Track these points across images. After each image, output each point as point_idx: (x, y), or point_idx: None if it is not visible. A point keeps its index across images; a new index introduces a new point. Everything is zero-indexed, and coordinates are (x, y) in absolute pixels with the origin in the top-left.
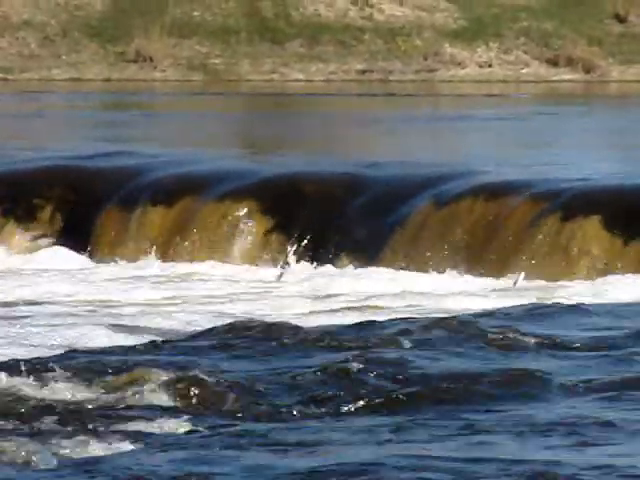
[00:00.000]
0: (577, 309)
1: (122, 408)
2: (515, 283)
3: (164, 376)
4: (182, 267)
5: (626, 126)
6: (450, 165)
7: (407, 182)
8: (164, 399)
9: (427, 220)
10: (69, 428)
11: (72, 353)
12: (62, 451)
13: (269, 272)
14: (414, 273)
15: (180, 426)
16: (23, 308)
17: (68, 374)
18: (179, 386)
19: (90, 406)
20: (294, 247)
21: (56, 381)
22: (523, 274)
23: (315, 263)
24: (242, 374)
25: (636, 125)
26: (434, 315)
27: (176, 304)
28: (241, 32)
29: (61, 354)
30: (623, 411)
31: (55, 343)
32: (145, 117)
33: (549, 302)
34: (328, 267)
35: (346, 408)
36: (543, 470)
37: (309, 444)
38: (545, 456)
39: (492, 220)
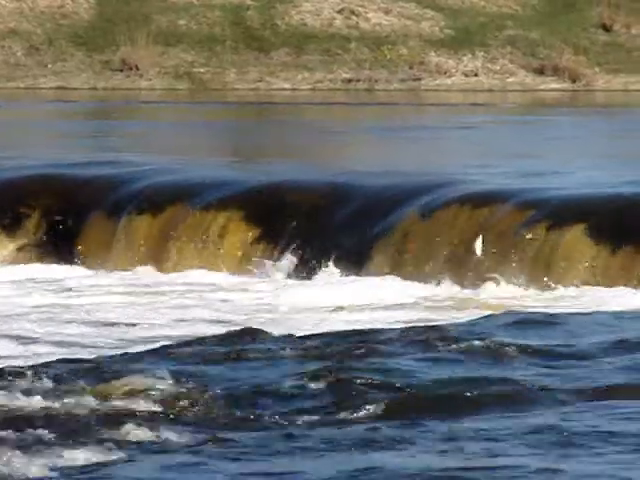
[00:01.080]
0: (563, 318)
1: (114, 417)
2: (477, 251)
3: (156, 385)
4: (169, 276)
5: (612, 134)
6: (435, 174)
7: (392, 191)
8: (156, 408)
9: (412, 229)
10: (61, 437)
11: (63, 361)
12: (54, 461)
13: (253, 281)
14: (400, 282)
15: (172, 435)
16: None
17: (61, 382)
18: (171, 395)
19: (83, 414)
20: (279, 256)
21: (47, 389)
22: (481, 238)
23: (301, 272)
24: (234, 383)
25: (621, 133)
26: (420, 324)
27: (163, 312)
28: (227, 41)
29: (54, 361)
30: (611, 420)
31: (50, 350)
32: (131, 126)
33: (534, 311)
34: (314, 276)
35: (336, 417)
36: (533, 478)
37: (301, 453)
38: (536, 464)
39: (477, 229)
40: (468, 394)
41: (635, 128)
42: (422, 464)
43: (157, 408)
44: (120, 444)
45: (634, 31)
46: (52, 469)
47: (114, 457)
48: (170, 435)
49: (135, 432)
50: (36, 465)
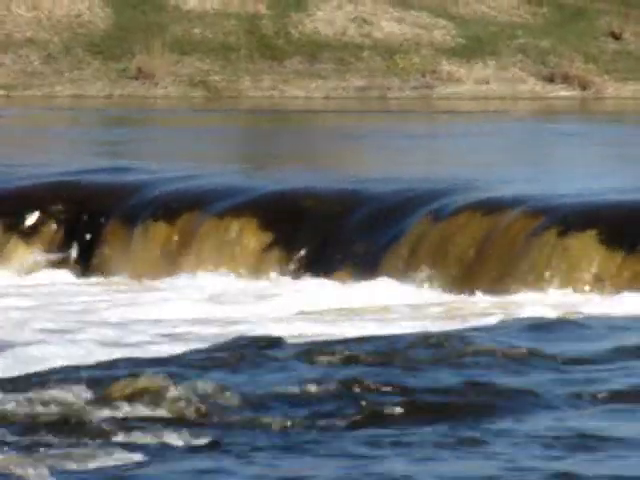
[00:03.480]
0: (575, 322)
1: (122, 420)
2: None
3: (165, 388)
4: (184, 282)
5: (622, 141)
6: (447, 181)
7: (404, 197)
8: (165, 412)
9: (425, 235)
10: (65, 441)
11: (73, 366)
12: (56, 465)
13: (268, 287)
14: (410, 288)
15: (180, 439)
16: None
17: (69, 386)
18: (179, 399)
19: (90, 418)
20: (293, 262)
21: (55, 393)
22: None
23: (313, 277)
24: (243, 387)
25: (630, 140)
26: (433, 330)
27: (181, 318)
28: (241, 49)
29: (63, 366)
30: (616, 424)
31: (55, 356)
32: (147, 133)
33: (542, 316)
34: (326, 281)
35: (345, 422)
36: None
37: (307, 457)
38: (551, 468)
39: (488, 235)
40: (481, 399)
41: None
42: (434, 469)
43: (163, 412)
44: (126, 448)
45: None
46: (55, 473)
47: (120, 462)
48: (176, 439)
49: (141, 436)
50: (39, 469)
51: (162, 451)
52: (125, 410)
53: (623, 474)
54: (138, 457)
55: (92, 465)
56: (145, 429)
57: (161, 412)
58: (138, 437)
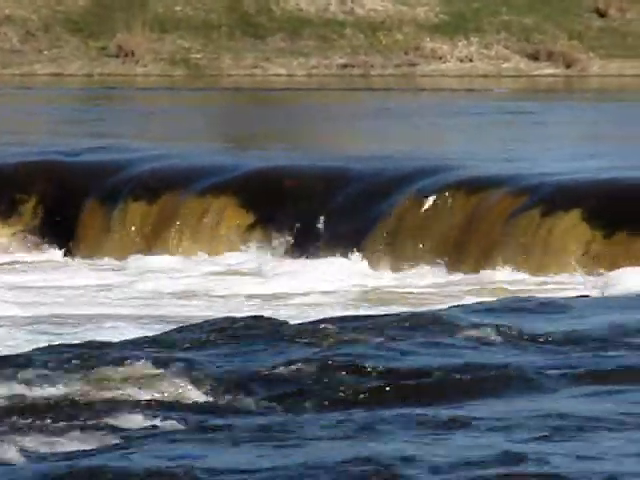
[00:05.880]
0: (559, 302)
1: (109, 403)
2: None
3: (143, 371)
4: (162, 260)
5: (602, 119)
6: (431, 159)
7: (388, 176)
8: (144, 394)
9: (408, 215)
10: (55, 424)
11: (54, 346)
12: (47, 447)
13: (249, 266)
14: (396, 266)
15: (167, 422)
16: None
17: (47, 368)
18: (158, 381)
19: (78, 401)
20: (275, 242)
21: (32, 375)
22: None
23: (296, 257)
24: (229, 369)
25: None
26: (414, 310)
27: (165, 298)
28: (222, 27)
29: (42, 347)
30: (603, 405)
31: (35, 338)
32: (127, 112)
33: (530, 296)
34: (309, 260)
35: (319, 403)
36: (520, 464)
37: (285, 439)
38: (522, 450)
39: (473, 214)
40: (464, 380)
41: (628, 113)
42: (418, 451)
43: (151, 395)
44: (115, 431)
45: (629, 16)
46: (45, 456)
47: (108, 444)
48: (165, 422)
49: (130, 419)
50: (29, 451)
51: (150, 434)
52: (106, 393)
53: (601, 455)
54: (126, 440)
55: (72, 448)
56: (134, 412)
57: (149, 395)
58: (118, 420)
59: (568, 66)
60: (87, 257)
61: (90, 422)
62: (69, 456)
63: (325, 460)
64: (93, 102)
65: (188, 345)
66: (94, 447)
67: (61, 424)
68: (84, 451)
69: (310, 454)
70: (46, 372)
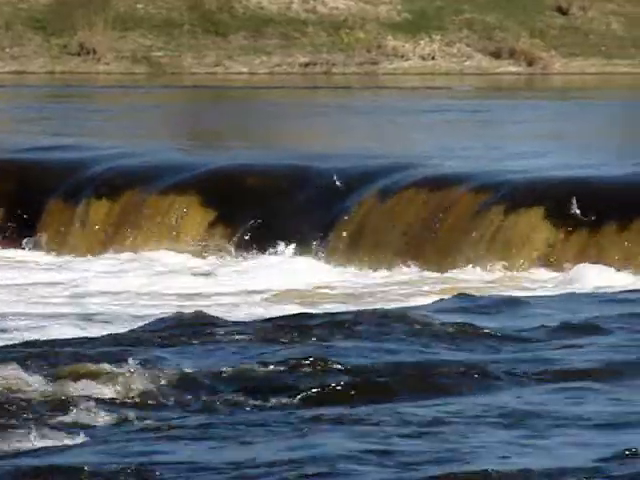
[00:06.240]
0: (520, 300)
1: (63, 400)
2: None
3: (111, 369)
4: (126, 258)
5: (565, 117)
6: (394, 157)
7: (351, 174)
8: (105, 391)
9: (371, 212)
10: (16, 421)
11: (8, 345)
12: (8, 445)
13: (211, 264)
14: (357, 264)
15: (127, 419)
16: None
17: (9, 365)
18: (120, 379)
19: (30, 398)
20: (237, 239)
21: (4, 374)
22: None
23: (256, 254)
24: (183, 367)
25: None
26: (378, 307)
27: (123, 296)
28: (184, 25)
29: (3, 345)
30: (569, 401)
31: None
32: (89, 110)
33: (491, 293)
34: (270, 258)
35: (284, 400)
36: (489, 460)
37: (247, 436)
38: (490, 447)
39: (436, 211)
40: (423, 377)
41: (589, 111)
42: (380, 446)
43: (112, 392)
44: (76, 428)
45: (590, 14)
46: (6, 454)
47: (70, 441)
48: (126, 419)
49: (91, 416)
50: None
51: (111, 431)
52: (66, 390)
53: (566, 452)
54: (87, 437)
55: (31, 445)
56: (94, 409)
57: (110, 392)
58: (78, 417)
59: (530, 64)
60: (49, 254)
61: (45, 420)
62: (23, 454)
63: (277, 457)
64: (55, 100)
65: (144, 342)
66: (49, 445)
67: (15, 422)
68: (39, 449)
69: (262, 451)
70: (11, 369)
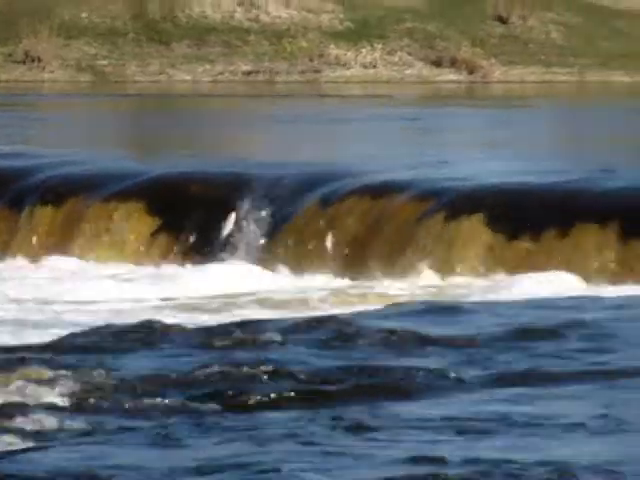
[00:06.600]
0: (463, 306)
1: (15, 406)
2: None
3: (57, 374)
4: (70, 265)
5: (499, 124)
6: (335, 165)
7: (293, 182)
8: (57, 397)
9: (313, 220)
10: None
11: None
12: None
13: (154, 272)
14: (299, 272)
15: (74, 424)
16: None
17: None
18: (72, 384)
19: None
20: (180, 246)
21: None
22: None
23: (200, 263)
24: (132, 372)
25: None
26: (318, 315)
27: (67, 302)
28: (128, 34)
29: None
30: (513, 406)
31: None
32: (33, 118)
33: (433, 300)
34: (212, 265)
35: (225, 406)
36: (431, 465)
37: (195, 441)
38: (433, 452)
39: (377, 220)
40: (370, 383)
41: (524, 119)
42: (323, 453)
43: (58, 397)
44: (21, 433)
45: (530, 23)
46: None
47: (15, 447)
48: (72, 424)
49: (37, 421)
50: None
51: (57, 436)
52: (5, 395)
53: (514, 457)
54: (33, 442)
55: None
56: (25, 415)
57: (56, 397)
58: (18, 423)
59: (470, 72)
60: None
61: None
62: None
63: (219, 462)
64: (0, 109)
65: (85, 348)
66: (1, 450)
67: None
68: None
69: (201, 458)
70: None
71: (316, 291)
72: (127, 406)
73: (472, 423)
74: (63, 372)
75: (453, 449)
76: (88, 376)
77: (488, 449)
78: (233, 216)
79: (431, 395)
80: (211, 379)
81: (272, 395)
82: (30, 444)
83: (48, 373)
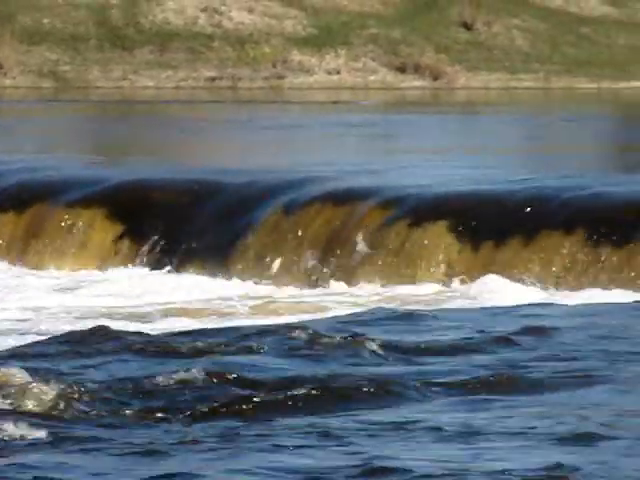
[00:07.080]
0: (427, 313)
1: None
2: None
3: (9, 381)
4: (31, 271)
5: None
6: (298, 172)
7: (256, 189)
8: (8, 405)
9: (276, 227)
10: None
11: None
12: None
13: (117, 277)
14: (259, 279)
15: (28, 431)
16: None
17: None
18: (24, 392)
19: None
20: (142, 253)
21: None
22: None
23: (160, 270)
24: (88, 380)
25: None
26: (284, 321)
27: (23, 308)
28: (91, 39)
29: None
30: (479, 413)
31: None
32: None
33: (397, 307)
34: (173, 273)
35: (196, 414)
36: (398, 473)
37: (158, 450)
38: (400, 459)
39: (341, 226)
40: (334, 390)
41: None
42: (290, 461)
43: (10, 405)
44: None
45: (494, 29)
46: None
47: None
48: (25, 432)
49: None
50: None
51: (9, 444)
52: None
53: (477, 464)
54: None
55: None
56: None
57: (8, 405)
58: None
59: (435, 79)
60: None
61: None
62: None
63: (190, 471)
64: None
65: (47, 355)
66: None
67: None
68: None
69: (174, 465)
70: None
71: (277, 298)
72: (82, 415)
73: (434, 430)
74: (21, 379)
75: (413, 456)
76: (44, 384)
77: (439, 456)
78: (194, 223)
79: (394, 402)
80: (168, 387)
81: (225, 403)
82: None
83: (9, 379)
